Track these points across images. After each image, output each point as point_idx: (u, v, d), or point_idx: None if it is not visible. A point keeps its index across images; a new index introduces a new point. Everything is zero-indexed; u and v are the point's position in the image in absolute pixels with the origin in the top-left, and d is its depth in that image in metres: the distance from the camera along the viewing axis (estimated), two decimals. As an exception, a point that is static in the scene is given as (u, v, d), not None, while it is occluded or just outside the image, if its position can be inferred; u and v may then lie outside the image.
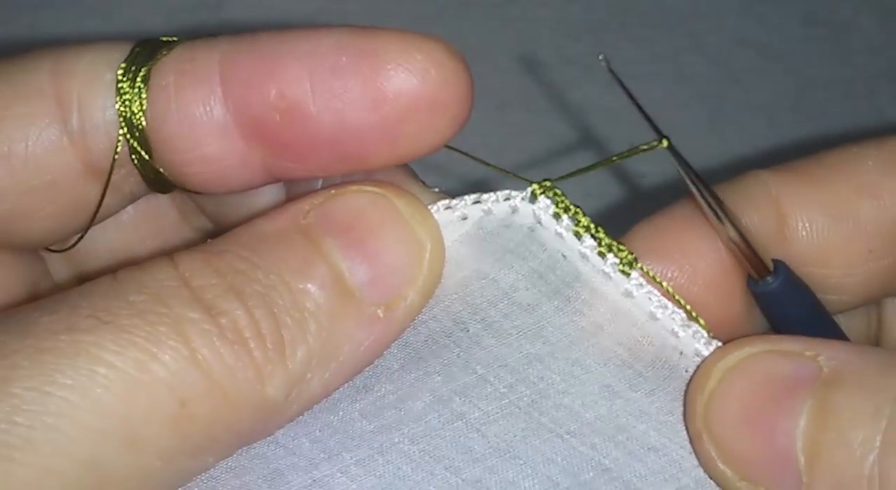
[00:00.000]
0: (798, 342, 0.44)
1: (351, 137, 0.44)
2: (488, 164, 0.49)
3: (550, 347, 0.45)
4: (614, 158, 0.46)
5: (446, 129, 0.44)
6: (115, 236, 0.53)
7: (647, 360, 0.46)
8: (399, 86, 0.43)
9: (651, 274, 0.47)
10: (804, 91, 0.93)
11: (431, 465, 0.44)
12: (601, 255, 0.46)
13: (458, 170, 0.56)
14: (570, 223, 0.46)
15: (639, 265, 0.46)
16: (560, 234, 0.46)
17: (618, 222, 0.50)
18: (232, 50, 0.44)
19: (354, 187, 0.45)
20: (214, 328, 0.40)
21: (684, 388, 0.45)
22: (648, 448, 0.45)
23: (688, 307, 0.47)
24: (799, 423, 0.42)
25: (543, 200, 0.46)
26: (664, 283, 0.47)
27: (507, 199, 0.46)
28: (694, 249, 0.49)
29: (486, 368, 0.45)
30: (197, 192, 0.48)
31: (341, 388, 0.44)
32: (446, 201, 0.47)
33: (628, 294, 0.46)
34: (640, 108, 0.44)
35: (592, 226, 0.46)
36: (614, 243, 0.46)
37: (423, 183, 0.49)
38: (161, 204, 0.54)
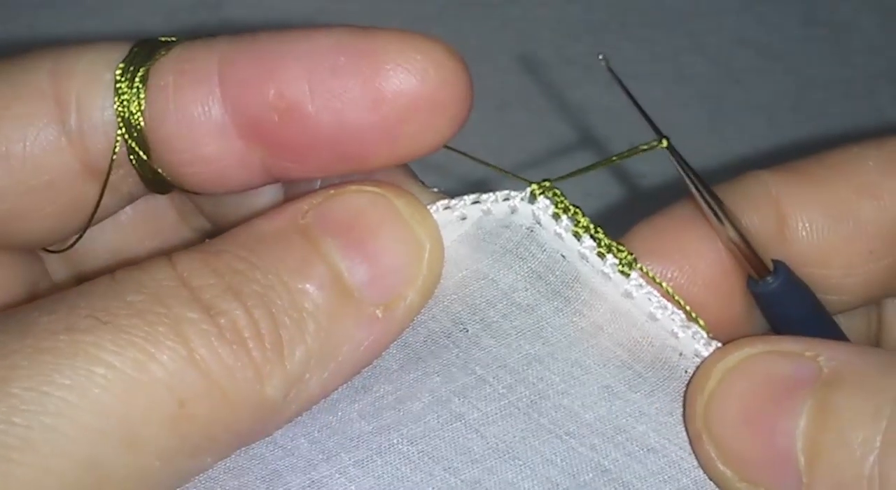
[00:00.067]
0: (798, 342, 0.44)
1: (350, 137, 0.44)
2: (488, 164, 0.49)
3: (550, 348, 0.45)
4: (614, 158, 0.46)
5: (445, 130, 0.44)
6: (114, 236, 0.53)
7: (647, 360, 0.46)
8: (398, 86, 0.43)
9: (651, 274, 0.47)
10: (804, 91, 0.93)
11: (430, 466, 0.44)
12: (600, 255, 0.46)
13: (457, 170, 0.56)
14: (569, 223, 0.46)
15: (638, 266, 0.46)
16: (559, 235, 0.46)
17: (617, 223, 0.50)
18: (231, 50, 0.44)
19: (353, 187, 0.45)
20: (213, 328, 0.40)
21: (684, 388, 0.45)
22: (648, 449, 0.44)
23: (687, 308, 0.47)
24: (799, 424, 0.42)
25: (543, 201, 0.46)
26: (664, 284, 0.47)
27: (507, 199, 0.46)
28: (694, 250, 0.49)
29: (486, 369, 0.45)
30: (195, 193, 0.47)
31: (340, 389, 0.44)
32: (445, 201, 0.47)
33: (628, 295, 0.46)
34: (639, 107, 0.44)
35: (592, 226, 0.46)
36: (614, 244, 0.46)
37: (423, 183, 0.48)
38: (160, 204, 0.54)
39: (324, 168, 0.45)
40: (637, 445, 0.44)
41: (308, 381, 0.42)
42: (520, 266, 0.46)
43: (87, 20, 0.91)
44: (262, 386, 0.41)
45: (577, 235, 0.46)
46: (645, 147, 0.45)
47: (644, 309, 0.46)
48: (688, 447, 0.45)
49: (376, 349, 0.44)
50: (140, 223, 0.54)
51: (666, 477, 0.44)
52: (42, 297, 0.42)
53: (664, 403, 0.45)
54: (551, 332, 0.45)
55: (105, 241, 0.53)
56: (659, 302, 0.46)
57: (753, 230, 0.49)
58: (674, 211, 0.50)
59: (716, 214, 0.46)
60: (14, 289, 0.49)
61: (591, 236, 0.46)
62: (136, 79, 0.45)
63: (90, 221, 0.48)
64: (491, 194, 0.47)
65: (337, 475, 0.44)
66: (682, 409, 0.45)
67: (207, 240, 0.44)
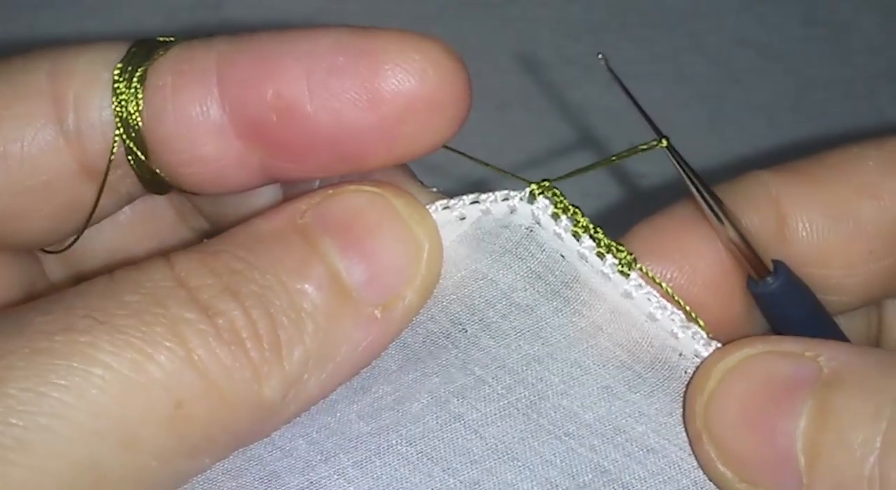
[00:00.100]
0: (798, 343, 0.44)
1: (348, 137, 0.44)
2: (486, 165, 0.48)
3: (549, 348, 0.45)
4: (613, 158, 0.46)
5: (444, 130, 0.44)
6: (112, 237, 0.53)
7: (647, 361, 0.46)
8: (397, 86, 0.43)
9: (650, 275, 0.47)
10: (804, 91, 0.93)
11: (429, 467, 0.44)
12: (600, 255, 0.46)
13: (456, 170, 0.56)
14: (568, 223, 0.46)
15: (638, 266, 0.46)
16: (559, 235, 0.46)
17: (617, 223, 0.50)
18: (229, 50, 0.44)
19: (352, 187, 0.45)
20: (211, 329, 0.40)
21: (683, 389, 0.45)
22: (647, 449, 0.44)
23: (687, 308, 0.46)
24: (799, 424, 0.41)
25: (542, 201, 0.46)
26: (663, 284, 0.47)
27: (506, 199, 0.46)
28: (693, 250, 0.49)
29: (485, 370, 0.45)
30: (194, 193, 0.47)
31: (339, 390, 0.44)
32: (444, 201, 0.47)
33: (627, 295, 0.46)
34: (639, 107, 0.44)
35: (591, 226, 0.46)
36: (613, 244, 0.46)
37: (422, 183, 0.48)
38: (158, 205, 0.54)
39: (322, 168, 0.45)
40: (637, 446, 0.44)
41: (306, 382, 0.42)
42: (519, 266, 0.46)
43: (87, 20, 0.91)
44: (261, 386, 0.40)
45: (576, 235, 0.46)
46: (644, 147, 0.44)
47: (644, 309, 0.46)
48: (687, 448, 0.44)
49: (375, 349, 0.44)
50: (138, 223, 0.53)
51: (666, 478, 0.44)
52: (39, 297, 0.41)
53: (664, 404, 0.45)
54: (550, 332, 0.45)
55: (103, 242, 0.53)
56: (658, 302, 0.46)
57: (753, 230, 0.48)
58: (673, 211, 0.50)
59: (716, 214, 0.46)
60: (11, 289, 0.49)
61: (591, 236, 0.46)
62: (135, 79, 0.45)
63: (88, 222, 0.48)
64: (490, 194, 0.46)
65: (335, 476, 0.44)
66: (681, 410, 0.45)
67: (205, 240, 0.44)
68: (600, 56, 0.44)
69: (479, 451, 0.44)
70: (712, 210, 0.46)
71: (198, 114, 0.44)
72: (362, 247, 0.43)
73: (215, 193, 0.48)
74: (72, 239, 0.49)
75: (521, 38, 0.94)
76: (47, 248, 0.50)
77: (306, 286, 0.42)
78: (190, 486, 0.43)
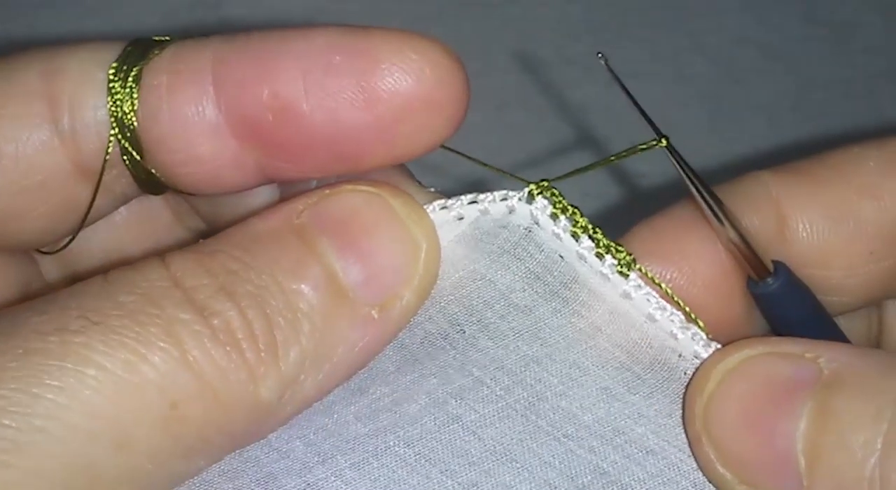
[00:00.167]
0: (798, 344, 0.44)
1: (345, 137, 0.43)
2: (485, 165, 0.48)
3: (548, 349, 0.45)
4: (613, 158, 0.46)
5: (442, 130, 0.44)
6: (109, 237, 0.53)
7: (646, 362, 0.45)
8: (393, 85, 0.42)
9: (650, 275, 0.47)
10: (804, 91, 0.93)
11: (427, 469, 0.43)
12: (599, 256, 0.46)
13: (455, 170, 0.56)
14: (567, 224, 0.46)
15: (637, 266, 0.46)
16: (557, 235, 0.46)
17: (617, 223, 0.49)
18: (225, 49, 0.44)
19: (349, 186, 0.44)
20: (206, 329, 0.40)
21: (683, 390, 0.45)
22: (647, 451, 0.44)
23: (687, 309, 0.46)
24: (799, 426, 0.41)
25: (541, 201, 0.46)
26: (663, 285, 0.47)
27: (504, 199, 0.46)
28: (693, 251, 0.49)
29: (483, 371, 0.45)
30: (189, 194, 0.47)
31: (336, 391, 0.44)
32: (442, 201, 0.46)
33: (626, 295, 0.46)
34: (638, 107, 0.44)
35: (590, 227, 0.46)
36: (612, 244, 0.46)
37: (419, 183, 0.48)
38: (154, 205, 0.54)
39: (319, 168, 0.45)
40: (636, 447, 0.44)
41: (303, 383, 0.42)
42: (517, 267, 0.46)
43: (86, 20, 0.91)
44: (256, 387, 0.40)
45: (575, 236, 0.46)
46: (644, 147, 0.44)
47: (643, 310, 0.46)
48: (687, 449, 0.44)
49: (372, 350, 0.44)
50: (135, 224, 0.53)
51: (665, 479, 0.44)
52: (35, 298, 0.41)
53: (663, 405, 0.45)
54: (549, 333, 0.45)
55: (99, 242, 0.52)
56: (658, 303, 0.46)
57: (753, 231, 0.48)
58: (673, 212, 0.50)
59: (715, 215, 0.46)
60: (7, 290, 0.49)
61: (590, 237, 0.46)
62: (130, 78, 0.44)
63: (83, 222, 0.47)
64: (488, 194, 0.46)
65: (332, 478, 0.43)
66: (681, 411, 0.45)
67: (201, 240, 0.44)
68: (600, 55, 0.44)
69: (477, 452, 0.44)
70: (712, 210, 0.46)
71: (193, 113, 0.44)
72: (359, 247, 0.43)
73: (211, 194, 0.47)
74: (67, 240, 0.49)
75: (521, 37, 0.94)
76: (43, 249, 0.50)
77: (303, 286, 0.42)
78: (186, 487, 0.43)
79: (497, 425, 0.44)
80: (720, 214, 0.46)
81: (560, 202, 0.46)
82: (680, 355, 0.45)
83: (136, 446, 0.38)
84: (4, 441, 0.36)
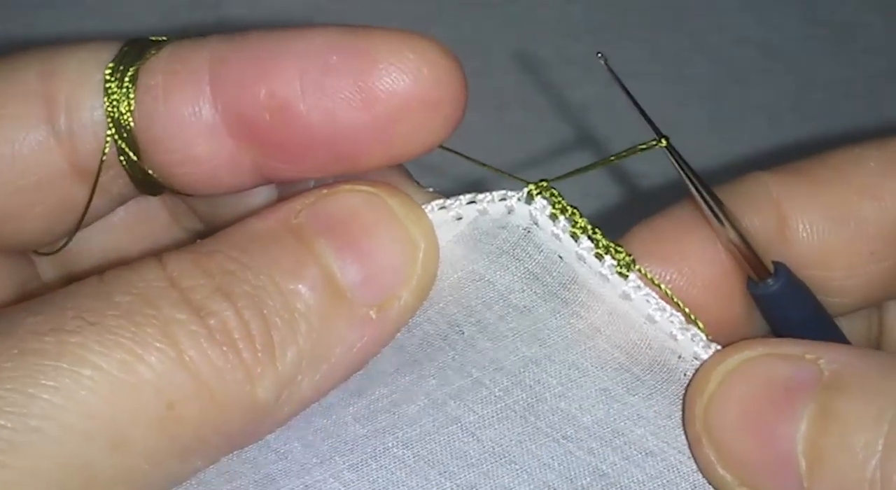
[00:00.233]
0: (799, 345, 0.44)
1: (342, 137, 0.43)
2: (483, 165, 0.48)
3: (547, 350, 0.45)
4: (612, 158, 0.46)
5: (440, 130, 0.44)
6: (106, 238, 0.53)
7: (645, 363, 0.45)
8: (391, 85, 0.42)
9: (649, 276, 0.47)
10: (805, 91, 0.93)
11: (425, 470, 0.43)
12: (598, 256, 0.45)
13: (454, 170, 0.56)
14: (566, 224, 0.45)
15: (637, 267, 0.46)
16: (557, 236, 0.45)
17: (617, 223, 0.49)
18: (221, 49, 0.44)
19: (347, 186, 0.44)
20: (203, 329, 0.39)
21: (682, 392, 0.45)
22: (646, 453, 0.44)
23: (686, 310, 0.46)
24: (800, 427, 0.41)
25: (540, 201, 0.45)
26: (662, 286, 0.47)
27: (503, 199, 0.46)
28: (693, 251, 0.49)
29: (482, 371, 0.45)
30: (187, 194, 0.47)
31: (334, 392, 0.44)
32: (440, 201, 0.46)
33: (626, 296, 0.45)
34: (638, 107, 0.44)
35: (590, 227, 0.46)
36: (612, 245, 0.46)
37: (418, 183, 0.48)
38: (152, 206, 0.53)
39: (317, 169, 0.45)
40: (635, 449, 0.44)
41: (300, 383, 0.41)
42: (516, 267, 0.46)
43: (86, 20, 0.91)
44: (253, 388, 0.40)
45: (574, 236, 0.45)
46: (644, 147, 0.44)
47: (642, 311, 0.45)
48: (687, 451, 0.44)
49: (370, 350, 0.44)
50: (132, 225, 0.53)
51: (665, 481, 0.44)
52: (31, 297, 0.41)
53: (663, 406, 0.45)
54: (548, 333, 0.45)
55: (97, 243, 0.52)
56: (657, 304, 0.45)
57: (754, 231, 0.48)
58: (673, 212, 0.50)
59: (716, 215, 0.46)
60: (4, 291, 0.49)
61: (589, 237, 0.45)
62: (126, 79, 0.44)
63: (80, 223, 0.47)
64: (487, 194, 0.46)
65: (331, 479, 0.43)
66: (680, 413, 0.45)
67: (198, 240, 0.44)
68: (600, 55, 0.44)
69: (476, 454, 0.44)
70: (712, 211, 0.46)
71: (189, 114, 0.44)
72: (357, 247, 0.43)
73: (209, 194, 0.47)
74: (65, 240, 0.49)
75: (521, 37, 0.93)
76: (40, 250, 0.50)
77: (300, 287, 0.42)
78: (183, 488, 0.42)
79: (496, 427, 0.44)
80: (720, 215, 0.46)
81: (559, 203, 0.45)
82: (679, 356, 0.45)
83: (133, 446, 0.38)
84: (0, 441, 0.36)
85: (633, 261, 0.46)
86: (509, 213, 0.46)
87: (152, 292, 0.40)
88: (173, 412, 0.39)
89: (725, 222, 0.46)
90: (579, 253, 0.45)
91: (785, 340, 0.45)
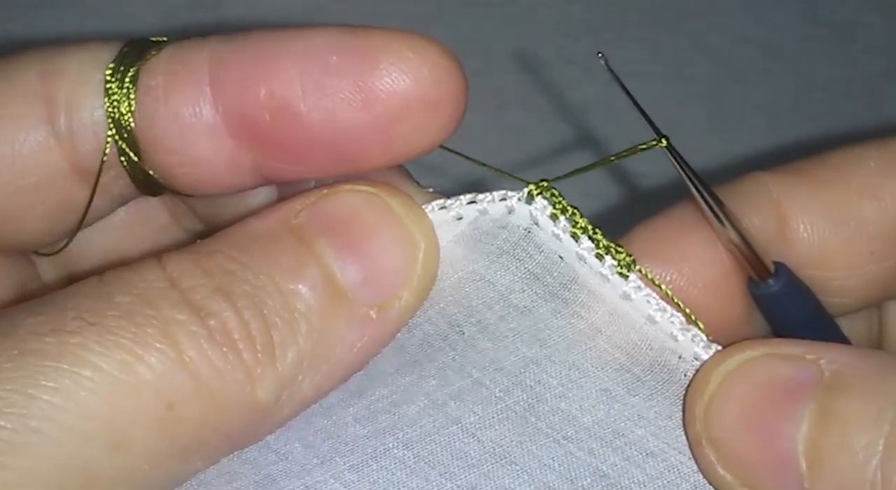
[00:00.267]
0: (799, 345, 0.44)
1: (343, 138, 0.43)
2: (483, 165, 0.48)
3: (547, 351, 0.45)
4: (613, 158, 0.46)
5: (440, 130, 0.44)
6: (106, 239, 0.53)
7: (646, 364, 0.45)
8: (391, 85, 0.42)
9: (650, 276, 0.47)
10: (805, 91, 0.93)
11: (426, 471, 0.43)
12: (599, 257, 0.45)
13: (454, 170, 0.56)
14: (567, 224, 0.45)
15: (637, 267, 0.46)
16: (557, 236, 0.45)
17: (617, 223, 0.49)
18: (222, 50, 0.44)
19: (347, 186, 0.44)
20: (203, 330, 0.39)
21: (683, 392, 0.45)
22: (647, 453, 0.44)
23: (687, 310, 0.46)
24: (800, 428, 0.41)
25: (540, 201, 0.45)
26: (663, 286, 0.47)
27: (504, 199, 0.46)
28: (694, 252, 0.49)
29: (482, 372, 0.45)
30: (187, 195, 0.47)
31: (334, 393, 0.44)
32: (441, 201, 0.46)
33: (626, 297, 0.45)
34: (638, 107, 0.44)
35: (590, 227, 0.45)
36: (612, 245, 0.46)
37: (418, 183, 0.48)
38: (152, 207, 0.53)
39: (317, 169, 0.45)
40: (636, 450, 0.44)
41: (300, 384, 0.41)
42: (517, 267, 0.46)
43: (86, 20, 0.91)
44: (254, 388, 0.40)
45: (575, 236, 0.45)
46: (644, 147, 0.44)
47: (643, 311, 0.45)
48: (687, 452, 0.44)
49: (370, 350, 0.44)
50: (132, 225, 0.53)
51: (665, 482, 0.44)
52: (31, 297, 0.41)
53: (663, 407, 0.45)
54: (549, 334, 0.45)
55: (97, 244, 0.52)
56: (658, 304, 0.45)
57: (754, 232, 0.48)
58: (674, 212, 0.50)
59: (716, 216, 0.46)
60: (3, 291, 0.49)
61: (590, 237, 0.45)
62: (127, 79, 0.44)
63: (81, 223, 0.47)
64: (487, 194, 0.46)
65: (331, 480, 0.43)
66: (681, 413, 0.45)
67: (198, 240, 0.44)
68: (600, 55, 0.44)
69: (476, 454, 0.44)
70: (713, 211, 0.46)
71: (190, 114, 0.44)
72: (358, 247, 0.43)
73: (209, 195, 0.47)
74: (65, 241, 0.49)
75: (521, 37, 0.93)
76: (41, 251, 0.49)
77: (300, 287, 0.42)
78: (184, 489, 0.42)
79: (496, 427, 0.44)
80: (720, 215, 0.46)
81: (560, 203, 0.45)
82: (680, 357, 0.45)
83: (133, 447, 0.38)
84: (0, 442, 0.36)
85: (634, 261, 0.46)
86: (510, 213, 0.46)
87: (152, 293, 0.40)
88: (173, 413, 0.39)
89: (726, 222, 0.46)
90: (580, 253, 0.45)
91: (785, 341, 0.45)
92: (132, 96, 0.44)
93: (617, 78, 0.44)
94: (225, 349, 0.39)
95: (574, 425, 0.44)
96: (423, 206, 0.46)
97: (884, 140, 0.52)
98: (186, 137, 0.44)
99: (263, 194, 0.50)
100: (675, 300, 0.46)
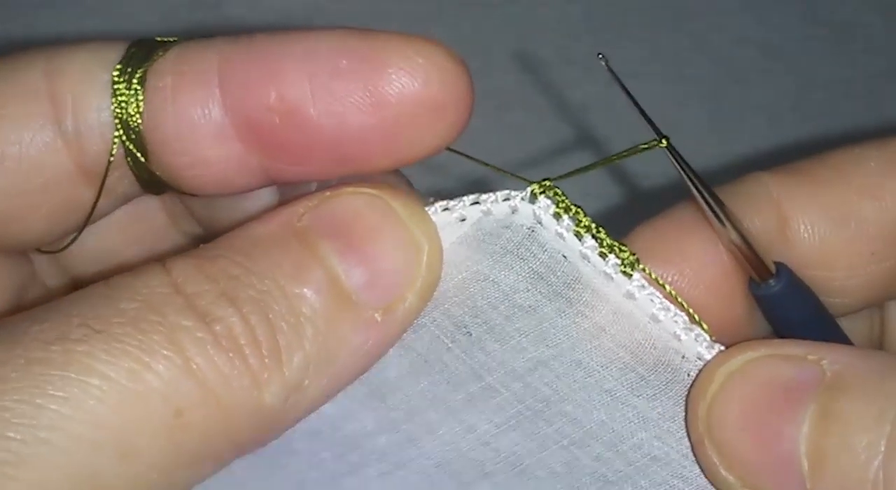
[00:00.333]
0: (800, 346, 0.44)
1: (351, 140, 0.43)
2: (487, 165, 0.48)
3: (553, 351, 0.45)
4: (614, 158, 0.46)
5: (447, 133, 0.44)
6: (103, 237, 0.52)
7: (650, 363, 0.45)
8: (400, 89, 0.42)
9: (653, 275, 0.47)
10: (805, 91, 0.93)
11: (444, 481, 0.43)
12: (602, 255, 0.45)
13: (456, 169, 0.56)
14: (570, 223, 0.45)
15: (640, 266, 0.46)
16: (561, 235, 0.45)
17: (618, 223, 0.49)
18: (231, 52, 0.44)
19: (350, 189, 0.44)
20: (209, 336, 0.39)
21: (686, 392, 0.45)
22: (651, 458, 0.44)
23: (690, 310, 0.46)
24: (802, 428, 0.41)
25: (543, 200, 0.45)
26: (666, 286, 0.47)
27: (507, 199, 0.45)
28: (694, 252, 0.49)
29: (493, 375, 0.45)
30: (192, 194, 0.47)
31: (353, 396, 0.44)
32: (444, 203, 0.46)
33: (630, 296, 0.45)
34: (639, 107, 0.44)
35: (594, 226, 0.45)
36: (616, 244, 0.46)
37: (417, 190, 0.48)
38: (149, 206, 0.53)
39: (323, 170, 0.45)
40: (640, 453, 0.44)
41: (307, 388, 0.41)
42: (520, 267, 0.45)
43: (86, 20, 0.91)
44: (260, 393, 0.40)
45: (578, 235, 0.45)
46: (644, 146, 0.44)
47: (646, 310, 0.45)
48: (690, 455, 0.44)
49: (376, 353, 0.44)
50: (129, 225, 0.53)
51: (669, 486, 0.44)
52: (30, 298, 0.41)
53: (667, 407, 0.45)
54: (554, 333, 0.45)
55: (94, 242, 0.52)
56: (661, 303, 0.45)
57: (755, 232, 0.48)
58: (674, 213, 0.50)
59: (717, 216, 0.46)
60: (3, 292, 0.49)
61: (593, 236, 0.45)
62: (135, 80, 0.44)
63: (86, 223, 0.47)
64: (491, 194, 0.46)
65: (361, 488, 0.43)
66: (684, 414, 0.45)
67: (202, 244, 0.43)
68: (600, 56, 0.44)
69: (491, 463, 0.44)
70: (713, 212, 0.46)
71: (199, 116, 0.44)
72: (361, 249, 0.43)
73: (214, 195, 0.47)
74: (69, 240, 0.48)
75: (521, 37, 0.93)
76: (42, 249, 0.49)
77: (305, 290, 0.41)
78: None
79: (509, 435, 0.44)
80: (721, 215, 0.46)
81: (563, 201, 0.45)
82: (683, 357, 0.45)
83: (141, 456, 0.38)
84: (9, 453, 0.36)
85: (637, 260, 0.46)
86: (513, 212, 0.46)
87: (157, 299, 0.40)
88: (181, 420, 0.38)
89: (726, 223, 0.46)
90: (583, 252, 0.45)
91: (787, 341, 0.45)
92: (140, 97, 0.44)
93: (617, 78, 0.44)
94: (231, 355, 0.39)
95: (580, 429, 0.44)
96: (427, 208, 0.46)
97: (884, 140, 0.52)
98: (195, 139, 0.44)
99: (264, 196, 0.50)
100: (679, 299, 0.46)
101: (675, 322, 0.45)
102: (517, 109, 0.90)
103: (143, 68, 0.44)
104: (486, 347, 0.45)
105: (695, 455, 0.44)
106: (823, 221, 0.50)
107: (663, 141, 0.44)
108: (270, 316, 0.41)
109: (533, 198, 0.45)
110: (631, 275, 0.45)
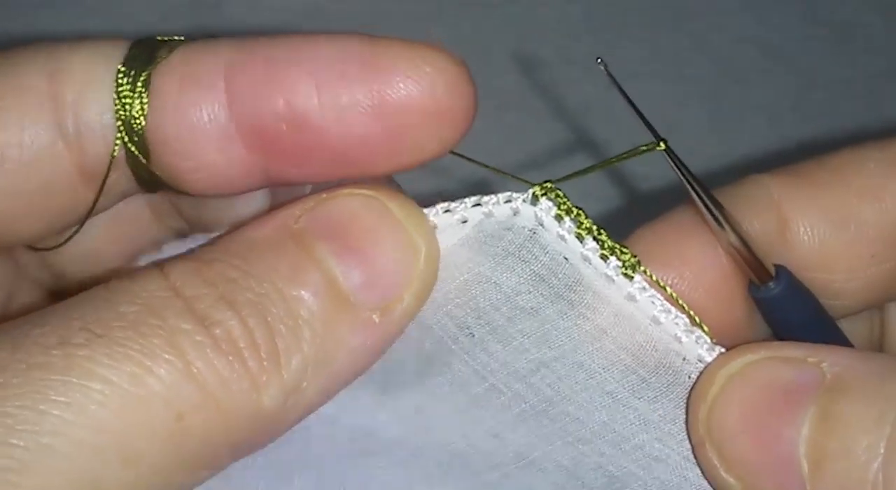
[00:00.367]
0: (801, 348, 0.44)
1: (355, 146, 0.43)
2: (488, 166, 0.48)
3: (555, 352, 0.45)
4: (613, 159, 0.46)
5: (450, 138, 0.44)
6: (88, 233, 0.52)
7: (651, 365, 0.45)
8: (406, 97, 0.42)
9: (654, 277, 0.47)
10: (805, 91, 0.93)
11: (455, 472, 0.44)
12: (603, 257, 0.45)
13: (458, 171, 0.56)
14: (572, 225, 0.45)
15: (642, 268, 0.46)
16: (562, 237, 0.45)
17: (618, 225, 0.49)
18: (237, 56, 0.44)
19: (346, 191, 0.44)
20: (208, 339, 0.39)
21: (687, 394, 0.45)
22: (653, 458, 0.44)
23: (691, 312, 0.46)
24: (802, 430, 0.41)
25: (545, 202, 0.45)
26: (667, 288, 0.47)
27: (508, 201, 0.45)
28: (694, 255, 0.49)
29: (495, 376, 0.45)
30: (191, 195, 0.47)
31: (362, 398, 0.44)
32: (445, 204, 0.46)
33: (631, 298, 0.45)
34: (637, 111, 0.44)
35: (595, 228, 0.45)
36: (617, 246, 0.45)
37: (400, 188, 0.48)
38: (136, 203, 0.53)
39: (325, 173, 0.45)
40: (642, 454, 0.44)
41: (305, 390, 0.41)
42: (522, 269, 0.45)
43: (86, 20, 0.91)
44: (259, 396, 0.40)
45: (579, 237, 0.45)
46: (644, 148, 0.44)
47: (648, 312, 0.45)
48: (691, 456, 0.44)
49: (374, 354, 0.44)
50: (113, 220, 0.52)
51: (670, 486, 0.44)
52: (18, 295, 0.40)
53: (667, 410, 0.45)
54: (556, 335, 0.45)
55: (78, 237, 0.52)
56: (662, 305, 0.45)
57: (754, 235, 0.48)
58: (674, 216, 0.50)
59: (716, 219, 0.46)
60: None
61: (595, 238, 0.45)
62: (139, 82, 0.44)
63: (83, 222, 0.47)
64: (492, 196, 0.46)
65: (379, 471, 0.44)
66: (685, 416, 0.45)
67: (199, 247, 0.43)
68: (599, 61, 0.44)
69: (498, 460, 0.44)
70: (712, 214, 0.46)
71: (205, 121, 0.43)
72: (358, 250, 0.43)
73: (213, 195, 0.47)
74: (66, 236, 0.48)
75: (521, 37, 0.93)
76: (36, 246, 0.49)
77: (303, 293, 0.42)
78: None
79: (517, 430, 0.45)
80: (720, 218, 0.46)
81: (564, 203, 0.45)
82: (684, 359, 0.45)
83: (143, 460, 0.38)
84: (12, 460, 0.36)
85: (639, 262, 0.46)
86: (515, 214, 0.46)
87: (157, 302, 0.40)
88: (182, 424, 0.39)
89: (726, 226, 0.46)
90: (584, 254, 0.45)
91: (787, 343, 0.45)
92: (144, 99, 0.44)
93: (617, 83, 0.44)
94: (230, 358, 0.39)
95: (583, 428, 0.44)
96: (428, 210, 0.46)
97: (884, 141, 0.52)
98: (200, 142, 0.44)
99: (256, 195, 0.50)
100: (679, 302, 0.46)
101: (676, 324, 0.45)
102: (517, 110, 0.90)
103: (147, 71, 0.44)
104: (489, 348, 0.45)
105: (695, 457, 0.44)
106: (823, 224, 0.50)
107: (661, 144, 0.44)
108: (269, 319, 0.41)
109: (534, 200, 0.45)
110: (632, 277, 0.45)
